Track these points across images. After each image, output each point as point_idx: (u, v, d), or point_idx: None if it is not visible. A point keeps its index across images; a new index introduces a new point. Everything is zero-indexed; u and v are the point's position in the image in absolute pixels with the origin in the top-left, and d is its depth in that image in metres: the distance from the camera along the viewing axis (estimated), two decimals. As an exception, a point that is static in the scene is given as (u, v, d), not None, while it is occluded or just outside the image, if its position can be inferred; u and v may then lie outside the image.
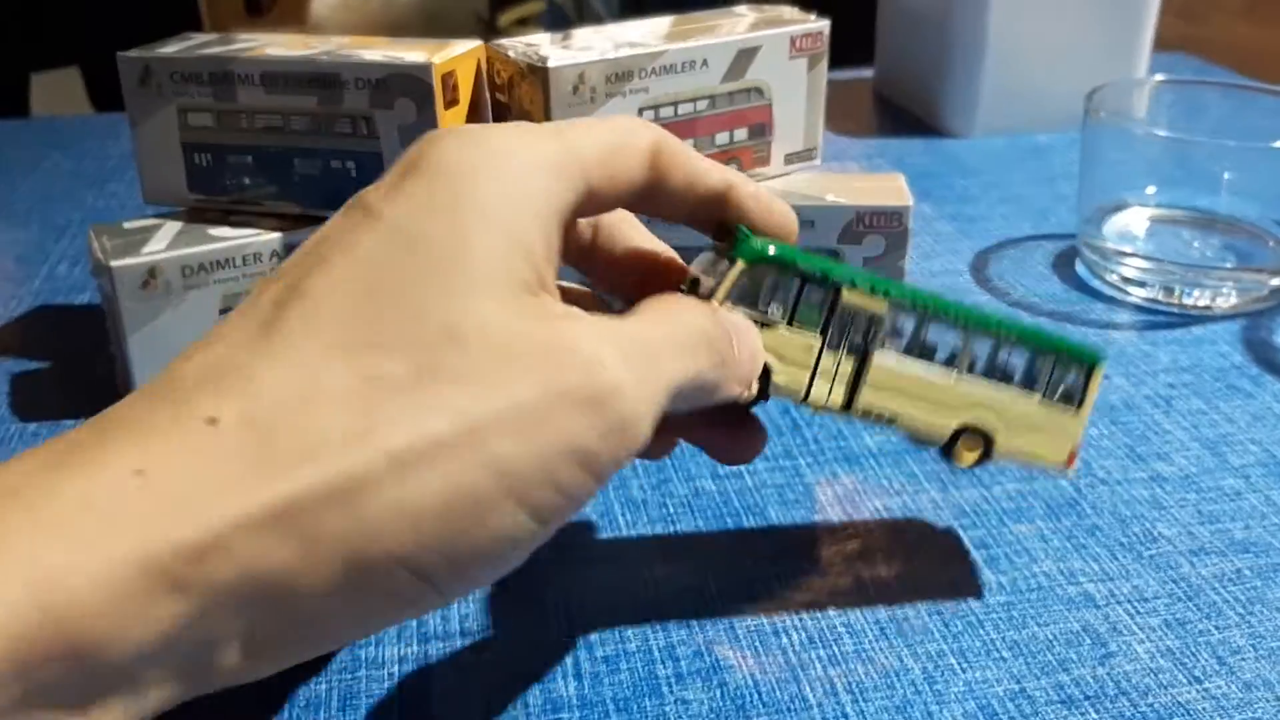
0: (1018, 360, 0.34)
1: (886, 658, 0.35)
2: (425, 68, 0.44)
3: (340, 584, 0.23)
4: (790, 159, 0.53)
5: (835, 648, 0.35)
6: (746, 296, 0.31)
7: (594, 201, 0.29)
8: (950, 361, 0.33)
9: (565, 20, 3.02)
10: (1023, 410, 0.34)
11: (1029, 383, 0.34)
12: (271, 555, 0.22)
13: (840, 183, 0.52)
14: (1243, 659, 0.34)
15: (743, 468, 0.44)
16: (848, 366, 0.32)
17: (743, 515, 0.41)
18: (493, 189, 0.26)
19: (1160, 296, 0.56)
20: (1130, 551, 0.39)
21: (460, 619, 0.36)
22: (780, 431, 0.46)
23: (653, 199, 0.31)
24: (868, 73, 0.93)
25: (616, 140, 0.29)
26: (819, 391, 0.32)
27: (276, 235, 0.47)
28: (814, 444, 0.45)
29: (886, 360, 0.32)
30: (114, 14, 1.55)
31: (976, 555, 0.39)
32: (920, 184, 0.72)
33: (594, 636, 0.35)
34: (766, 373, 0.31)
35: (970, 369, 0.34)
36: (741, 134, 0.51)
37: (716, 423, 0.33)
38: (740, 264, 0.31)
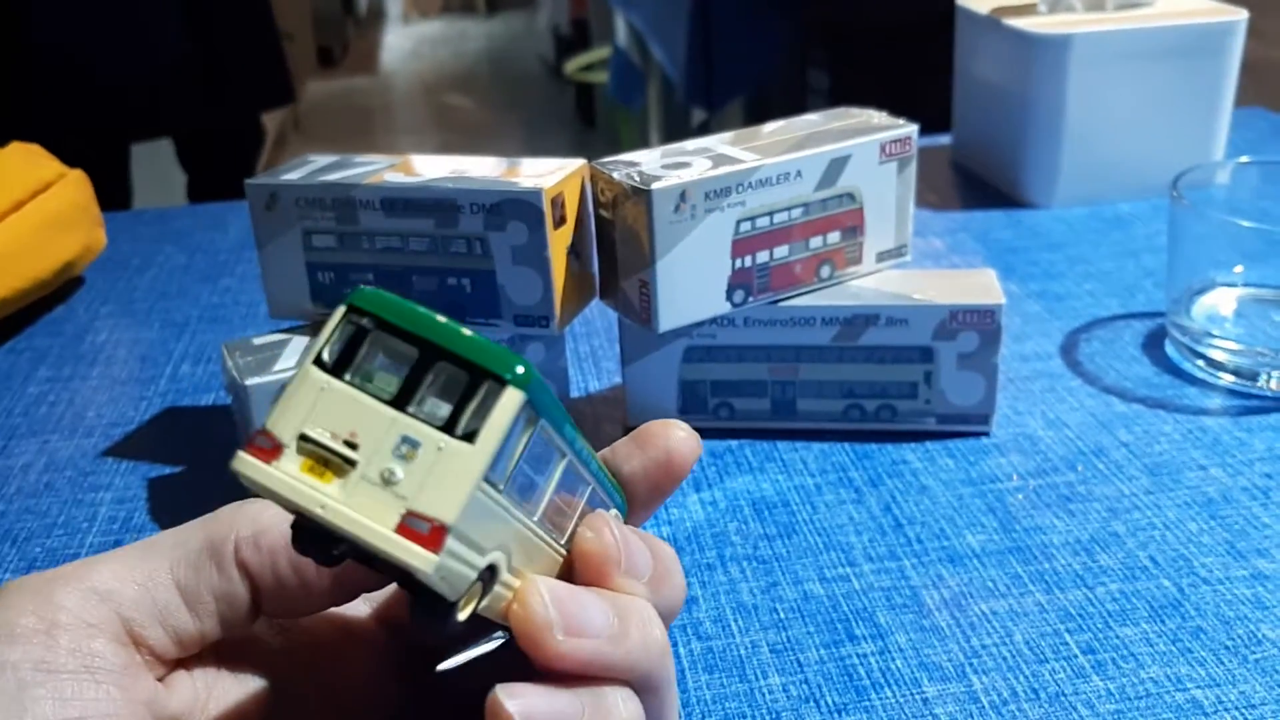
0: None
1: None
2: (536, 193, 0.47)
3: None
4: (882, 257, 0.54)
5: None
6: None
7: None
8: None
9: (630, 68, 3.05)
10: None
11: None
12: None
13: (931, 281, 0.53)
14: (1355, 770, 0.35)
15: (848, 569, 0.45)
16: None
17: (852, 621, 0.43)
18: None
19: (1250, 381, 0.56)
20: (1236, 655, 0.40)
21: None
22: (884, 531, 0.47)
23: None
24: (945, 139, 0.94)
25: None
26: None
27: (396, 349, 0.50)
28: (917, 543, 0.47)
29: None
30: (210, 84, 1.61)
31: (1084, 660, 0.40)
32: (1005, 259, 0.73)
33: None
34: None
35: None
36: (834, 237, 0.52)
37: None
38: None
